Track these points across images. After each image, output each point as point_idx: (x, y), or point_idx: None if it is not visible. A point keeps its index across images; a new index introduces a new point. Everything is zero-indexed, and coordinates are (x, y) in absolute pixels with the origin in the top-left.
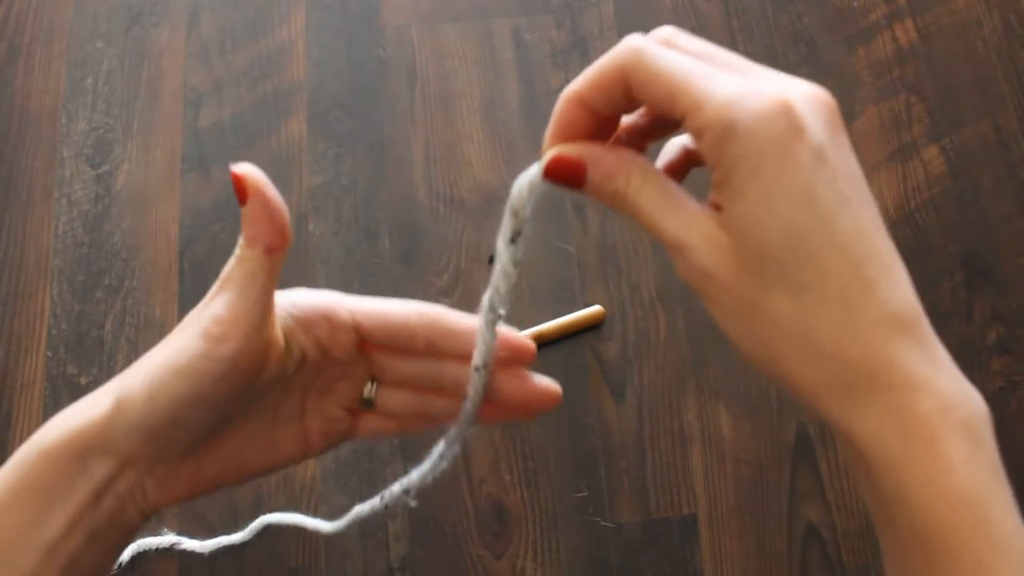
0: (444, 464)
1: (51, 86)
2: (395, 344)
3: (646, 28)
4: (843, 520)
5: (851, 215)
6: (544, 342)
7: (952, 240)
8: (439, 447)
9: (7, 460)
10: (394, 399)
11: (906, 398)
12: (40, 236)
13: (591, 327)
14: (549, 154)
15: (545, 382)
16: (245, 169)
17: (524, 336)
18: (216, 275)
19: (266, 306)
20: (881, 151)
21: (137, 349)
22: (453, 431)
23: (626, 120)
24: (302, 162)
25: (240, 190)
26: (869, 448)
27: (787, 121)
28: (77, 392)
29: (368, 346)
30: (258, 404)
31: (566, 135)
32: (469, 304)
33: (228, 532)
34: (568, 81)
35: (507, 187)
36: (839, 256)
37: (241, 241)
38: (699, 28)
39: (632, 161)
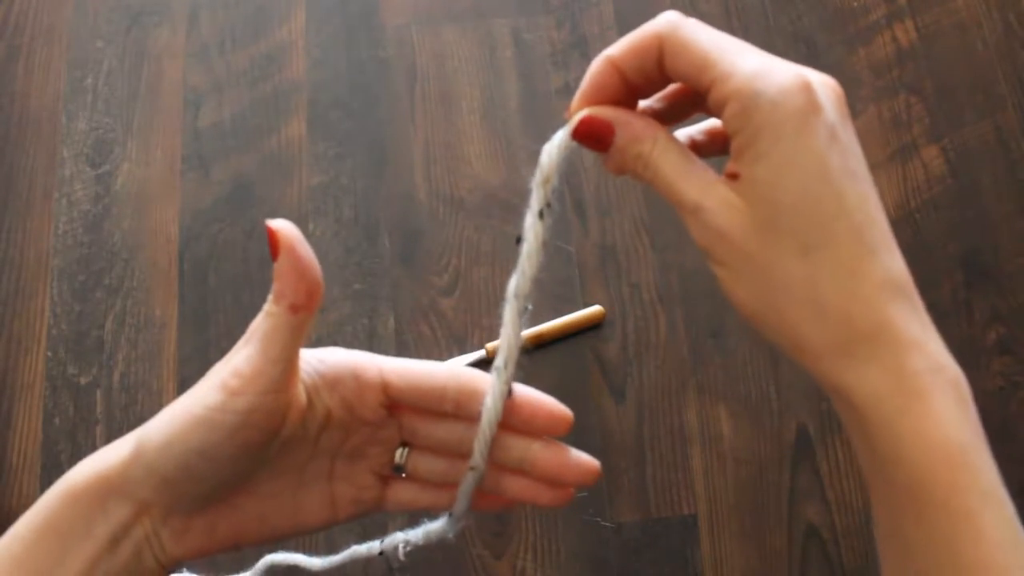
0: (455, 527)
1: (51, 86)
2: (425, 405)
3: None
4: (843, 520)
5: (857, 188)
6: (544, 342)
7: (952, 240)
8: (450, 511)
9: (8, 460)
10: (425, 465)
11: (901, 356)
12: (40, 236)
13: (591, 327)
14: (580, 114)
15: (584, 457)
16: (280, 225)
17: (560, 406)
18: (216, 275)
19: (288, 364)
20: (881, 151)
21: (137, 349)
22: (468, 475)
23: (643, 105)
24: (302, 162)
25: (273, 244)
26: (866, 404)
27: (807, 97)
28: (77, 392)
29: (399, 410)
30: (280, 464)
31: (596, 98)
32: (469, 303)
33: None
34: (568, 81)
35: (507, 187)
36: (847, 222)
37: (270, 295)
38: None
39: (657, 127)
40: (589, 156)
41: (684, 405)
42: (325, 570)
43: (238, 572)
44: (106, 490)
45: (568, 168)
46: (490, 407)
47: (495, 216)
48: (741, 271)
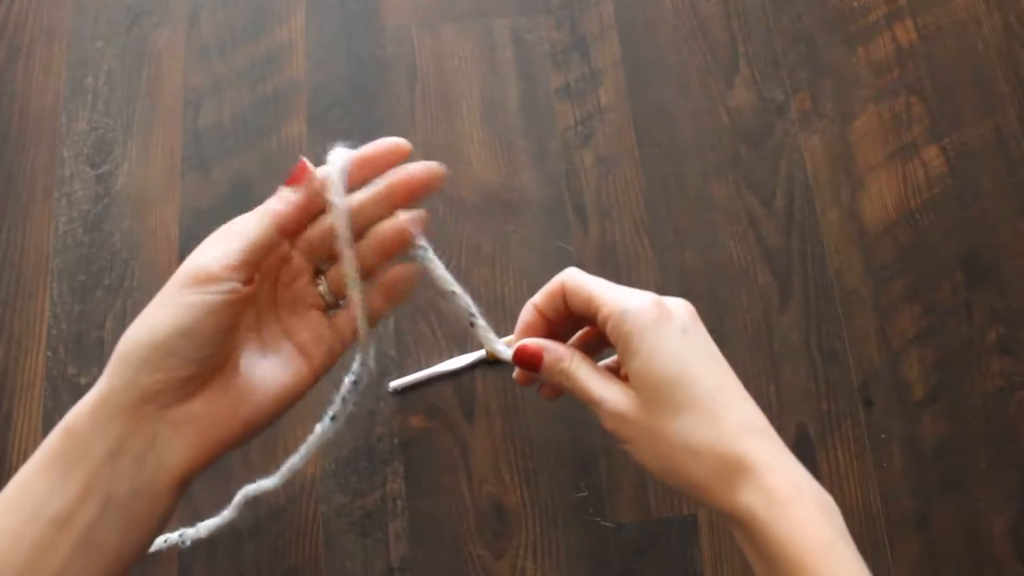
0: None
1: (51, 86)
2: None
3: (646, 28)
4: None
5: (709, 366)
6: None
7: (952, 240)
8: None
9: (8, 460)
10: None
11: (765, 478)
12: (40, 236)
13: None
14: (517, 344)
15: (418, 164)
16: (319, 172)
17: (395, 140)
18: None
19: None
20: (881, 151)
21: None
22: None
23: (568, 342)
24: None
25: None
26: (747, 519)
27: (659, 310)
28: (77, 392)
29: (290, 232)
30: (240, 335)
31: (528, 332)
32: None
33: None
34: (568, 81)
35: (507, 187)
36: (703, 388)
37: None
38: (699, 28)
39: (573, 351)
40: (589, 157)
41: None
42: (285, 478)
43: (219, 511)
44: (98, 415)
45: (569, 169)
46: (334, 162)
47: (495, 216)
48: (640, 441)
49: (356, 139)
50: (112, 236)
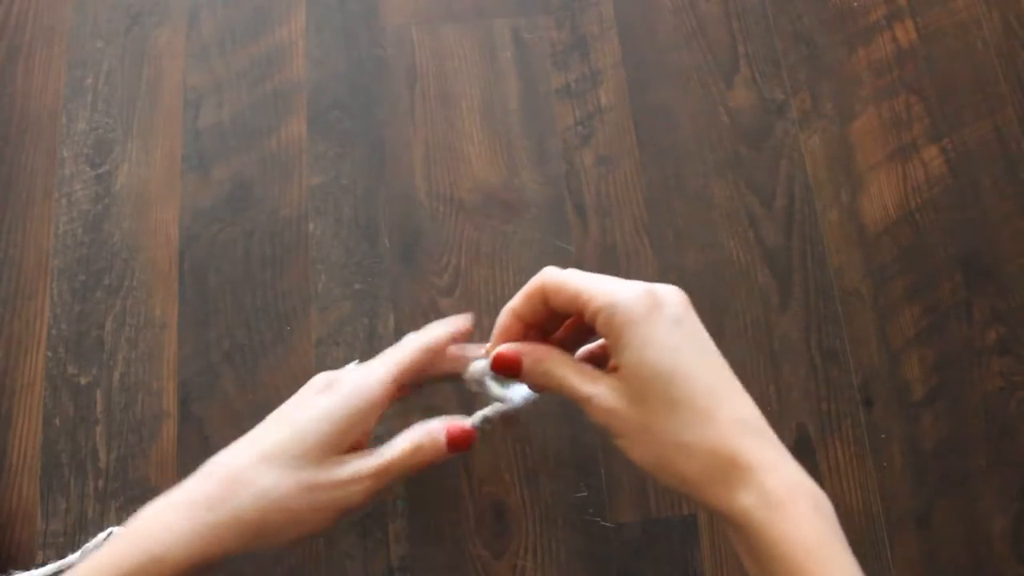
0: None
1: (51, 86)
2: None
3: (646, 28)
4: (842, 521)
5: (703, 358)
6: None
7: (952, 240)
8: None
9: (8, 460)
10: None
11: (760, 477)
12: (40, 236)
13: None
14: (494, 352)
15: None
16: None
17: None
18: (216, 275)
19: None
20: (881, 151)
21: (137, 349)
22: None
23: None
24: (302, 162)
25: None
26: (742, 518)
27: (651, 300)
28: (77, 392)
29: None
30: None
31: (506, 338)
32: (469, 303)
33: None
34: (568, 81)
35: (507, 187)
36: (697, 383)
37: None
38: (699, 28)
39: (552, 349)
40: (589, 157)
41: None
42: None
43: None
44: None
45: (569, 169)
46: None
47: (495, 216)
48: (632, 436)
49: (355, 139)
50: (112, 236)
